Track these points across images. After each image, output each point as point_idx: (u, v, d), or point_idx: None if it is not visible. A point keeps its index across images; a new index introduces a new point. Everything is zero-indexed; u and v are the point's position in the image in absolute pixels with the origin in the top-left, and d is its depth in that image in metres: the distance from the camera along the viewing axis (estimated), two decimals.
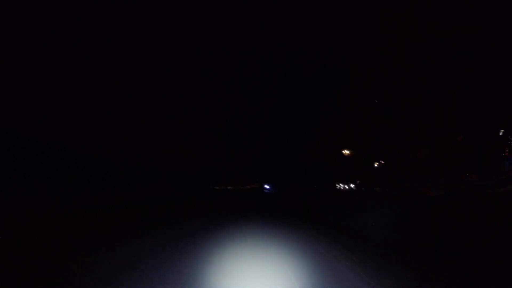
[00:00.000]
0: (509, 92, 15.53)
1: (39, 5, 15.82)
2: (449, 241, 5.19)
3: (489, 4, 15.48)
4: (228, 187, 55.41)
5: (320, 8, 25.99)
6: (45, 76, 16.93)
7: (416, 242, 5.31)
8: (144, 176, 29.57)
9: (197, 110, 34.16)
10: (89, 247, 5.15)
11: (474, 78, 15.86)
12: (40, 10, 15.95)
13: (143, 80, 25.04)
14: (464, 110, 16.97)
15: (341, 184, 38.29)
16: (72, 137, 18.41)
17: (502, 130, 17.76)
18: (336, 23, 23.77)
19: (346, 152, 27.39)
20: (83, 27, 18.84)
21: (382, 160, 26.63)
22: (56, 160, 17.84)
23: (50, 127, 17.31)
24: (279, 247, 4.56)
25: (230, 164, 45.55)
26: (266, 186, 51.39)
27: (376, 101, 18.64)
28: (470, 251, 4.39)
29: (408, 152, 21.37)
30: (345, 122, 26.97)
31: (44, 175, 17.27)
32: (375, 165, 27.77)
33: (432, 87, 17.34)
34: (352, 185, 34.99)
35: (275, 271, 3.32)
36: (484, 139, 17.33)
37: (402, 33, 17.38)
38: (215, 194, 32.09)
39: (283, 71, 40.73)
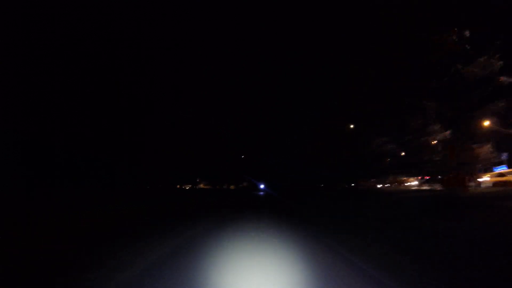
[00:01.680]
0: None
1: (39, 5, 15.86)
2: None
3: (489, 4, 15.51)
4: (217, 187, 53.23)
5: (320, 8, 26.03)
6: (45, 76, 16.97)
7: None
8: (144, 176, 29.58)
9: (197, 110, 34.24)
10: (90, 249, 5.14)
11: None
12: (41, 10, 15.99)
13: (143, 80, 25.10)
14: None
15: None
16: (72, 137, 18.46)
17: None
18: (336, 24, 23.81)
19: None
20: (83, 27, 18.88)
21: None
22: (57, 160, 17.88)
23: (50, 127, 17.35)
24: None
25: (229, 164, 45.37)
26: (261, 186, 47.41)
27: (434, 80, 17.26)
28: None
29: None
30: (345, 122, 26.99)
31: (44, 175, 17.29)
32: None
33: (432, 87, 17.34)
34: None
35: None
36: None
37: (402, 33, 17.37)
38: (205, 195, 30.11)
39: (283, 71, 40.79)
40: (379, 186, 33.70)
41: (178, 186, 46.25)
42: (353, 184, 34.09)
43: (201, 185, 54.81)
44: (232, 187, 56.31)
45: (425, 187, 25.03)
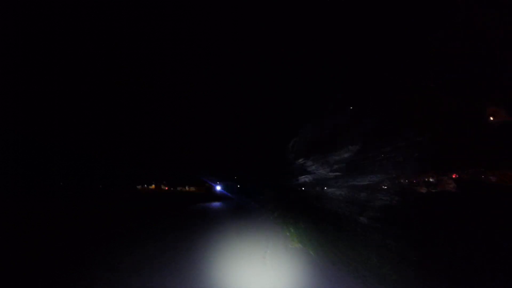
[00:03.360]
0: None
1: (40, 5, 15.87)
2: None
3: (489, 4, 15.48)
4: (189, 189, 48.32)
5: (320, 9, 26.02)
6: (45, 77, 16.99)
7: None
8: (143, 176, 29.46)
9: (197, 110, 34.14)
10: (89, 248, 5.15)
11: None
12: (41, 10, 16.00)
13: (143, 80, 25.09)
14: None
15: None
16: (72, 137, 18.45)
17: None
18: (336, 24, 23.83)
19: None
20: (83, 28, 18.90)
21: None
22: (56, 160, 17.87)
23: (50, 127, 17.35)
24: None
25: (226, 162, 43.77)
26: (217, 188, 34.65)
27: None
28: None
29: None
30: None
31: (44, 175, 17.28)
32: None
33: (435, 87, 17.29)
34: None
35: None
36: None
37: (402, 32, 17.35)
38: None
39: (282, 71, 40.70)
40: None
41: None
42: None
43: (163, 187, 48.21)
44: (191, 189, 48.81)
45: None
